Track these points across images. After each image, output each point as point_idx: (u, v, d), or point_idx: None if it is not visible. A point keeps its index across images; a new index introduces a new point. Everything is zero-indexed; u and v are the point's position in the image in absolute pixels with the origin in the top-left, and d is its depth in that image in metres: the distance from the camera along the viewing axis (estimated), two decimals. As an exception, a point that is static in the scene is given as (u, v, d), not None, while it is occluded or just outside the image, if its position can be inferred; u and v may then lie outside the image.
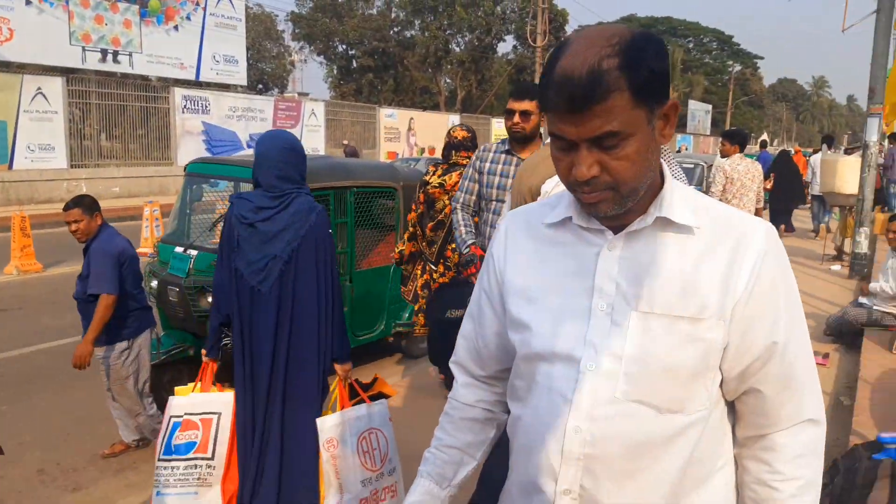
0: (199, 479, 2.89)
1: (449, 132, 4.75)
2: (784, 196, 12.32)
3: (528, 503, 1.20)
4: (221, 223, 4.56)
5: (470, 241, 3.62)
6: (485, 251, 3.37)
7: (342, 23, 38.61)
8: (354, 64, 41.05)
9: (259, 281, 2.81)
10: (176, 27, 20.18)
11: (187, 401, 2.97)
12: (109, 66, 18.62)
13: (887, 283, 5.78)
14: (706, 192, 5.70)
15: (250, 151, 19.56)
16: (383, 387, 3.18)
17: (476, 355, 1.36)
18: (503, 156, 3.59)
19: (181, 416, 2.93)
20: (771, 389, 1.14)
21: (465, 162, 5.03)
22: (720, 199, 6.73)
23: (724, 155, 7.30)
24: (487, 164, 3.62)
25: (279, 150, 2.84)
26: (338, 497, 2.85)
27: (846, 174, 9.89)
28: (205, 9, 20.94)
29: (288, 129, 20.84)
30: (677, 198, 1.15)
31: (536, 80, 25.39)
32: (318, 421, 2.88)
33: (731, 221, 1.15)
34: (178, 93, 18.39)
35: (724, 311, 1.10)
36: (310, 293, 2.84)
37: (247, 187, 4.46)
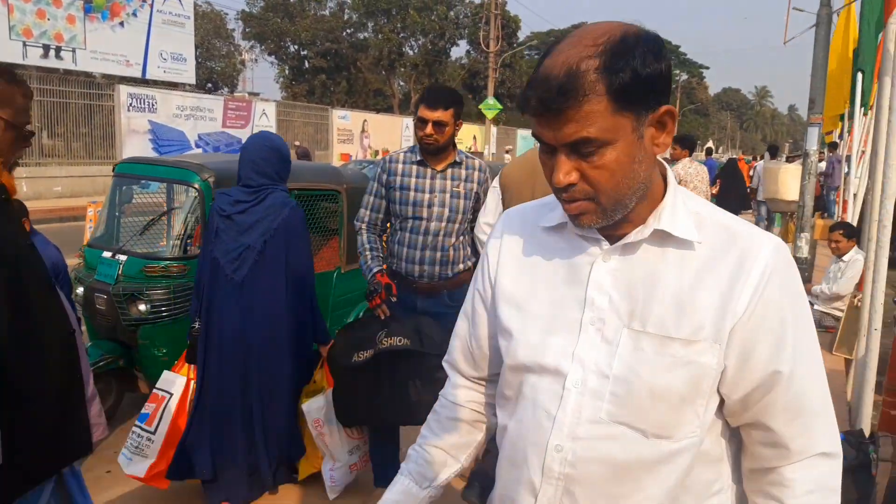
0: (136, 447, 3.12)
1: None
2: (731, 201, 12.67)
3: None
4: (155, 226, 4.47)
5: (376, 269, 3.15)
6: (403, 276, 3.19)
7: (294, 23, 38.19)
8: (306, 65, 40.65)
9: (233, 270, 3.04)
10: (122, 23, 19.65)
11: (163, 376, 3.26)
12: (52, 63, 18.01)
13: (828, 285, 6.01)
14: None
15: (199, 151, 19.21)
16: None
17: (469, 356, 1.32)
18: (415, 167, 3.21)
19: (156, 390, 3.23)
20: (778, 421, 1.06)
21: None
22: None
23: (675, 159, 7.49)
24: (398, 178, 3.20)
25: (260, 149, 3.17)
26: (330, 463, 3.29)
27: (787, 181, 10.21)
28: (151, 5, 20.45)
29: (238, 130, 20.60)
30: (680, 209, 1.08)
31: (490, 87, 25.11)
32: (304, 406, 3.20)
33: (736, 236, 1.06)
34: (124, 90, 17.90)
35: (721, 334, 1.02)
36: (278, 282, 3.10)
37: (180, 189, 4.40)
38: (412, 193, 3.19)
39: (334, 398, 3.14)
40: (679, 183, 6.57)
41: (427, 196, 3.18)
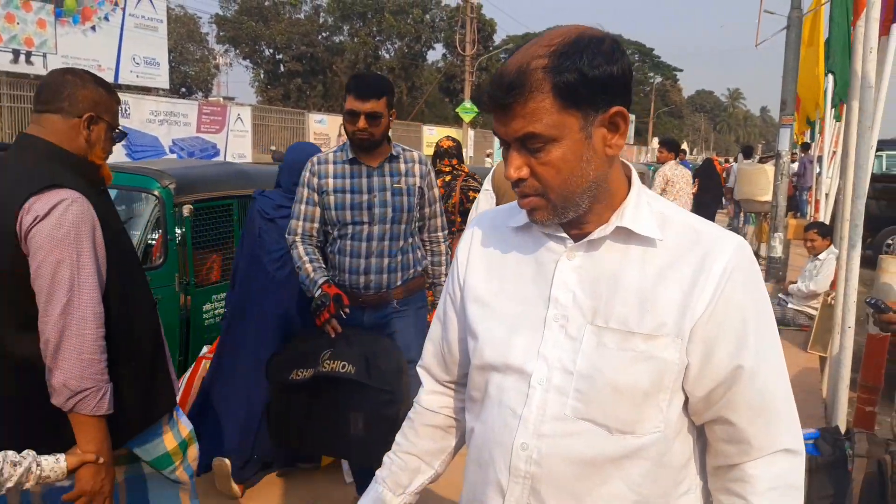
0: None
1: (437, 143, 5.36)
2: (708, 200, 12.86)
3: None
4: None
5: (321, 280, 2.80)
6: (348, 289, 2.82)
7: (269, 26, 37.98)
8: (282, 68, 40.43)
9: (276, 269, 3.33)
10: (93, 28, 19.40)
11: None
12: (22, 68, 17.72)
13: (804, 283, 6.11)
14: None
15: (173, 157, 19.00)
16: None
17: (441, 360, 1.32)
18: (348, 167, 2.89)
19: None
20: (740, 417, 1.07)
21: (447, 169, 5.24)
22: None
23: (661, 161, 7.88)
24: (331, 181, 2.89)
25: (300, 157, 3.33)
26: None
27: (761, 182, 10.35)
28: (124, 9, 20.20)
29: (213, 135, 20.41)
30: (643, 208, 1.09)
31: (467, 90, 25.03)
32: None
33: (699, 235, 1.08)
34: (97, 96, 17.65)
35: (682, 330, 1.04)
36: None
37: (139, 196, 4.18)
38: (349, 196, 2.87)
39: (267, 415, 2.97)
40: (665, 184, 6.67)
41: (366, 197, 2.87)
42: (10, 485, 1.57)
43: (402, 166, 2.94)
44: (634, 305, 1.05)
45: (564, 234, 1.12)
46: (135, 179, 4.19)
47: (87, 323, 1.75)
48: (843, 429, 3.09)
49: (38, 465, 1.64)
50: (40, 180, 1.77)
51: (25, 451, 1.64)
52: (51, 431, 1.78)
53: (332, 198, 2.87)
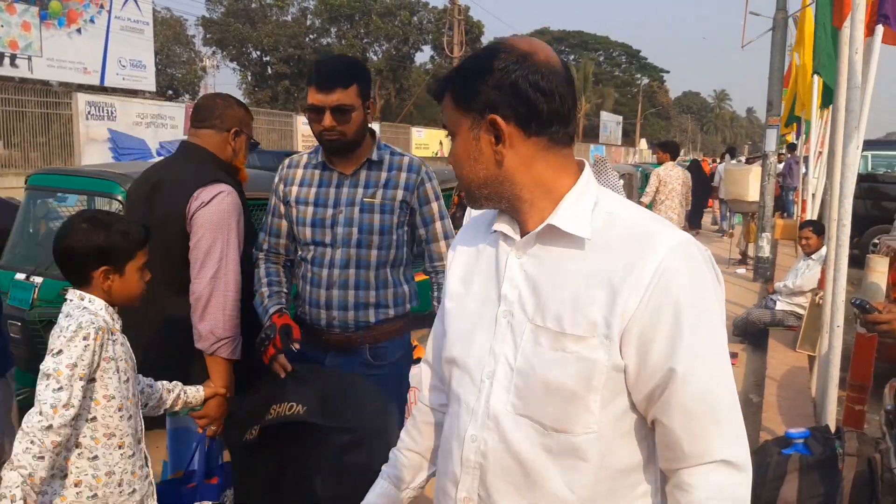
0: None
1: None
2: (696, 200, 12.99)
3: None
4: None
5: (273, 309, 2.34)
6: (309, 324, 2.36)
7: (256, 28, 37.83)
8: (269, 71, 40.27)
9: None
10: (79, 30, 19.27)
11: None
12: (7, 71, 17.57)
13: (791, 280, 6.18)
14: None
15: (160, 159, 18.76)
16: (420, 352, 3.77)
17: (439, 356, 1.34)
18: (318, 173, 2.37)
19: None
20: (673, 422, 1.05)
21: None
22: (651, 201, 7.66)
23: (660, 162, 8.17)
24: (295, 189, 2.38)
25: None
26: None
27: (748, 182, 10.41)
28: (109, 11, 20.08)
29: (201, 137, 20.36)
30: (583, 206, 1.11)
31: None
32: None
33: (636, 234, 1.08)
34: (82, 98, 17.52)
35: (612, 331, 1.04)
36: None
37: (101, 201, 3.92)
38: (311, 209, 2.33)
39: (234, 480, 2.43)
40: (659, 183, 6.80)
41: (330, 212, 2.31)
42: (167, 406, 2.13)
43: (384, 175, 2.34)
44: (569, 305, 1.07)
45: (514, 233, 1.16)
46: (95, 184, 3.96)
47: (230, 286, 2.28)
48: (833, 428, 3.11)
49: (184, 392, 2.17)
50: (205, 176, 2.32)
51: (174, 382, 2.16)
52: (184, 370, 2.28)
53: (293, 210, 2.38)
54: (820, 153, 9.59)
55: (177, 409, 2.18)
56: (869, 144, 10.98)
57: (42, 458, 1.66)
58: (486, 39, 41.19)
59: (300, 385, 2.21)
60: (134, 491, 1.90)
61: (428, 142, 31.19)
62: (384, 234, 2.31)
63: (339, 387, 2.21)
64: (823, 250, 6.16)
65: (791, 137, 14.29)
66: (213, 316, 2.25)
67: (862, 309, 2.66)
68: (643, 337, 1.03)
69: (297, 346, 2.27)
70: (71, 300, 1.85)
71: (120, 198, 3.76)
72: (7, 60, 17.56)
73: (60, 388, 1.71)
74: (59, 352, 1.75)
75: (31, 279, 3.78)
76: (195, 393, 2.20)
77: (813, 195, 8.99)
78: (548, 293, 1.09)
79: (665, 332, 1.03)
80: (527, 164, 1.12)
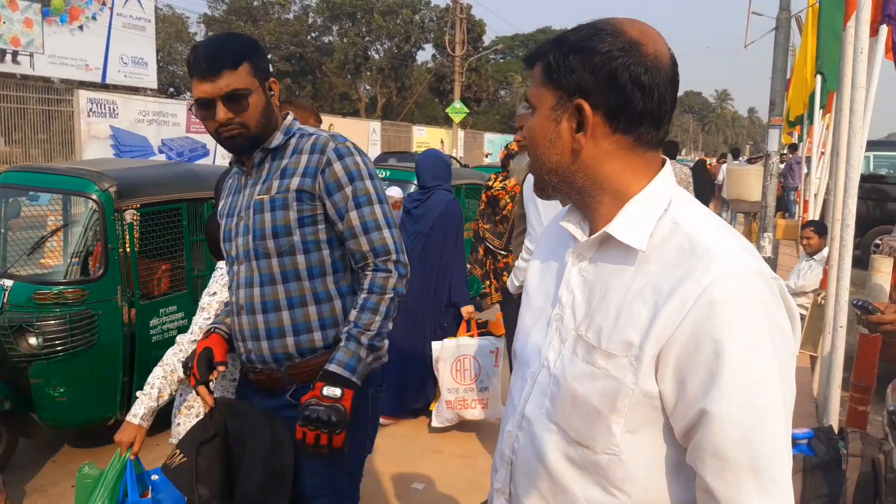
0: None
1: (507, 145, 5.61)
2: (701, 200, 13.05)
3: (490, 499, 1.23)
4: (46, 245, 3.96)
5: (208, 327, 2.04)
6: (241, 358, 1.98)
7: (257, 26, 37.80)
8: (271, 69, 40.23)
9: (411, 249, 3.99)
10: (81, 27, 19.24)
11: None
12: (8, 67, 17.55)
13: (794, 280, 6.18)
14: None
15: (162, 157, 18.86)
16: (494, 328, 4.42)
17: None
18: (234, 179, 2.05)
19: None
20: (705, 468, 0.94)
21: None
22: None
23: None
24: (220, 204, 2.09)
25: (430, 158, 4.52)
26: (442, 395, 4.25)
27: (750, 183, 10.40)
28: (111, 9, 20.06)
29: (202, 135, 20.31)
30: (645, 214, 1.02)
31: (457, 90, 24.81)
32: (434, 344, 4.25)
33: (693, 250, 0.96)
34: (83, 95, 17.51)
35: (644, 354, 0.96)
36: (438, 255, 4.34)
37: (78, 200, 3.84)
38: (224, 222, 2.01)
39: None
40: None
41: (234, 222, 1.95)
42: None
43: (284, 162, 1.88)
44: (611, 319, 1.01)
45: (580, 233, 1.10)
46: (70, 182, 3.80)
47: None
48: (836, 428, 3.10)
49: None
50: None
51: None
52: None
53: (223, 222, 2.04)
54: (822, 153, 9.59)
55: None
56: (871, 145, 10.97)
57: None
58: (487, 39, 41.21)
59: (210, 425, 1.89)
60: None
61: (429, 140, 31.16)
62: (278, 237, 1.83)
63: (243, 429, 1.88)
64: (825, 251, 6.18)
65: (791, 138, 14.28)
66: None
67: (864, 310, 2.66)
68: (679, 366, 0.94)
69: (221, 368, 1.91)
70: (219, 268, 2.36)
71: (95, 197, 3.62)
72: (9, 57, 17.54)
73: (209, 318, 2.24)
74: (214, 293, 2.31)
75: (2, 282, 3.61)
76: None
77: (815, 195, 8.97)
78: (597, 303, 1.04)
79: (701, 368, 0.92)
80: (604, 160, 1.03)
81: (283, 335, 1.87)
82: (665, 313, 0.94)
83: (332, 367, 1.79)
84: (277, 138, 1.91)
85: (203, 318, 2.25)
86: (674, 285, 0.95)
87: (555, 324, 1.09)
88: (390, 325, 1.90)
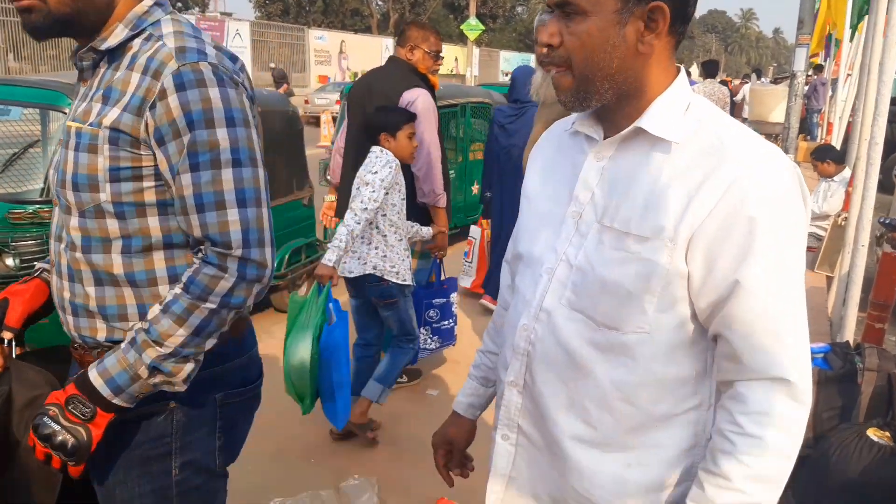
0: (464, 271, 5.44)
1: None
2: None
3: (500, 394, 1.28)
4: (20, 161, 3.67)
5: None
6: None
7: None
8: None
9: (504, 163, 4.54)
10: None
11: (472, 229, 5.36)
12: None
13: (816, 203, 6.14)
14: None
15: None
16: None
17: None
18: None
19: (470, 237, 5.37)
20: (734, 334, 1.04)
21: None
22: None
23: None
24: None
25: (525, 75, 4.33)
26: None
27: (774, 104, 10.17)
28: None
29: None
30: (674, 111, 1.08)
31: (472, 6, 23.96)
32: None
33: (722, 143, 1.04)
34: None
35: (678, 236, 1.02)
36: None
37: (57, 115, 3.57)
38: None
39: None
40: None
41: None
42: (416, 239, 3.33)
43: (116, 76, 1.26)
44: (639, 208, 1.06)
45: (598, 135, 1.14)
46: (42, 95, 3.55)
47: (434, 160, 3.36)
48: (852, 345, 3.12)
49: (420, 230, 3.29)
50: (410, 81, 3.34)
51: (414, 223, 3.24)
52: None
53: None
54: (849, 75, 9.30)
55: (416, 247, 3.47)
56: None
57: (359, 224, 2.85)
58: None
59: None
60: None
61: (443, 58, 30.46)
62: (80, 190, 1.26)
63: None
64: (847, 172, 6.09)
65: (818, 59, 13.85)
66: (430, 180, 3.36)
67: (891, 228, 2.63)
68: (711, 248, 1.01)
69: (6, 335, 1.43)
70: (373, 152, 3.03)
71: (66, 109, 3.35)
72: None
73: (374, 191, 2.89)
74: (376, 172, 2.93)
75: None
76: (427, 231, 3.34)
77: (839, 117, 8.78)
78: (622, 196, 1.08)
79: (734, 246, 1.00)
80: (655, 61, 1.08)
81: (90, 314, 1.33)
82: (699, 200, 1.01)
83: (93, 375, 1.26)
84: (116, 33, 1.27)
85: (373, 193, 2.88)
86: (707, 173, 1.02)
87: (570, 220, 1.14)
88: (205, 345, 1.28)
